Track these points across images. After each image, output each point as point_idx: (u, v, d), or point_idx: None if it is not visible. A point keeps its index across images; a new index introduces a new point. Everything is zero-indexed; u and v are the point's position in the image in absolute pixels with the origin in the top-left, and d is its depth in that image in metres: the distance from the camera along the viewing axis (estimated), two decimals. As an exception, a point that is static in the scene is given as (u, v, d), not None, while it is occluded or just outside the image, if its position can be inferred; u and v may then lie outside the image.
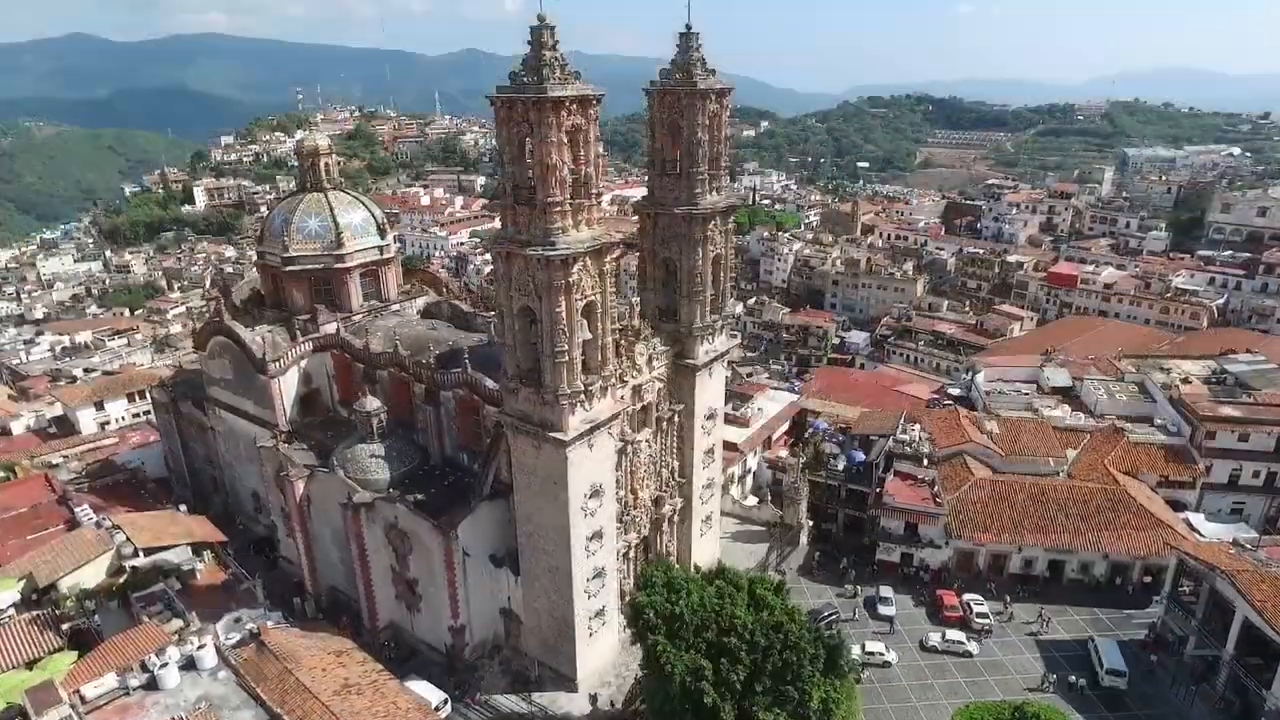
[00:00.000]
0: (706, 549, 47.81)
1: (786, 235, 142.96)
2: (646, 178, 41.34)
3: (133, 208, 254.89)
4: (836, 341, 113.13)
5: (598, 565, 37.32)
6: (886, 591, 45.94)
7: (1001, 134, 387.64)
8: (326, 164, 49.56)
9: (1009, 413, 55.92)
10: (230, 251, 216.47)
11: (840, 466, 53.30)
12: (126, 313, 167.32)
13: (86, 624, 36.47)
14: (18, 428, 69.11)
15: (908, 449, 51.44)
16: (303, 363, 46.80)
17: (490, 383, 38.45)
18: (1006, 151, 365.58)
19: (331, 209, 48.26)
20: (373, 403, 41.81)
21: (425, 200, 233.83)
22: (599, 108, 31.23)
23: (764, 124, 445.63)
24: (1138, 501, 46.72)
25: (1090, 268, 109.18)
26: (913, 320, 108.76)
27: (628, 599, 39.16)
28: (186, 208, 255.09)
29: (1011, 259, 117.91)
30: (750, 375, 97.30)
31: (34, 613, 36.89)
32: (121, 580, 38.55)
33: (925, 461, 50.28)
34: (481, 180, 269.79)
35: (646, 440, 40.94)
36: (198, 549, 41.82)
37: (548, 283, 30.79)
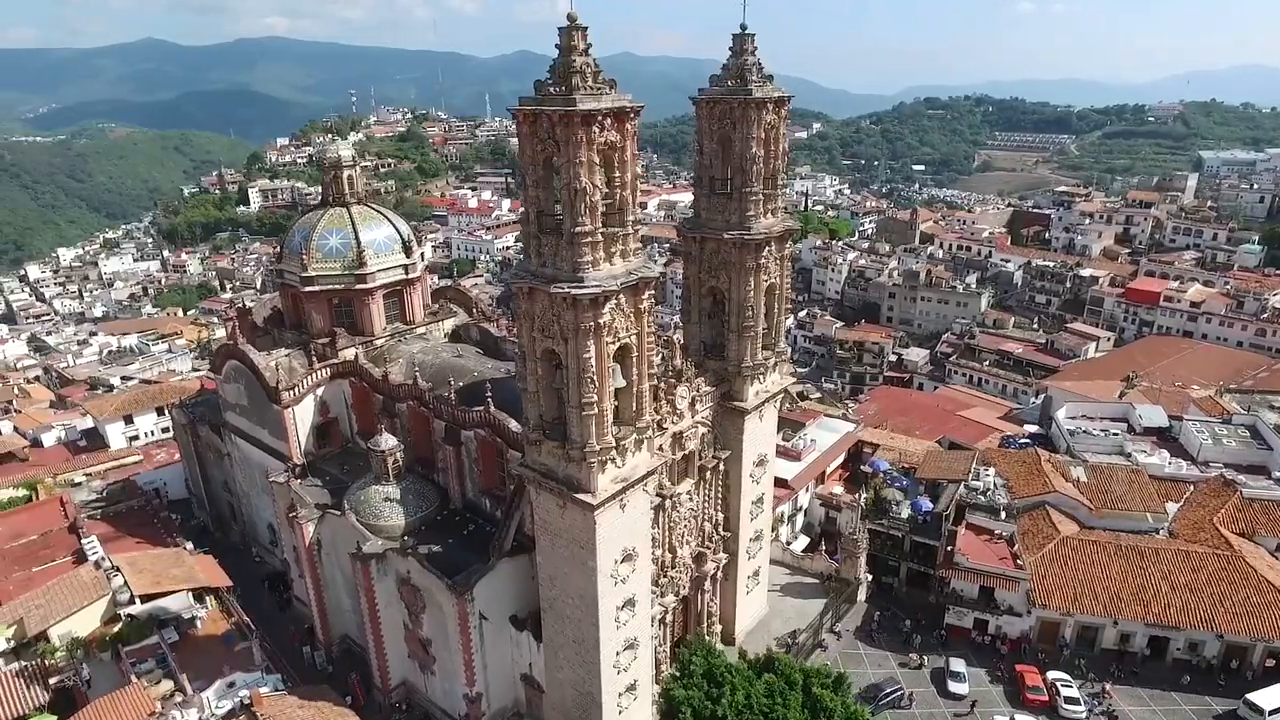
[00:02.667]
0: (752, 607, 43.13)
1: (840, 244, 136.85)
2: (692, 196, 36.77)
3: (190, 208, 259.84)
4: (893, 359, 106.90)
5: (629, 636, 32.93)
6: (958, 664, 40.54)
7: (1065, 136, 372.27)
8: (350, 176, 46.22)
9: (1097, 457, 49.93)
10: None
11: (904, 515, 47.93)
12: (180, 312, 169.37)
13: (74, 680, 33.51)
14: (49, 439, 67.87)
15: (982, 498, 45.93)
16: (319, 391, 43.49)
17: (515, 424, 34.44)
18: (1070, 155, 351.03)
19: (354, 225, 44.86)
20: (388, 440, 38.15)
21: (473, 203, 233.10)
22: (637, 121, 26.83)
23: (816, 126, 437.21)
24: (1257, 571, 40.46)
25: (1174, 283, 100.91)
26: (976, 338, 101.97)
27: (662, 684, 34.81)
28: (241, 209, 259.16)
29: (1085, 273, 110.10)
30: (802, 397, 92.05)
31: (21, 664, 34.16)
32: (116, 629, 35.52)
33: (1003, 513, 44.68)
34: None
35: (688, 492, 36.45)
36: (201, 595, 38.67)
37: (575, 324, 26.52)
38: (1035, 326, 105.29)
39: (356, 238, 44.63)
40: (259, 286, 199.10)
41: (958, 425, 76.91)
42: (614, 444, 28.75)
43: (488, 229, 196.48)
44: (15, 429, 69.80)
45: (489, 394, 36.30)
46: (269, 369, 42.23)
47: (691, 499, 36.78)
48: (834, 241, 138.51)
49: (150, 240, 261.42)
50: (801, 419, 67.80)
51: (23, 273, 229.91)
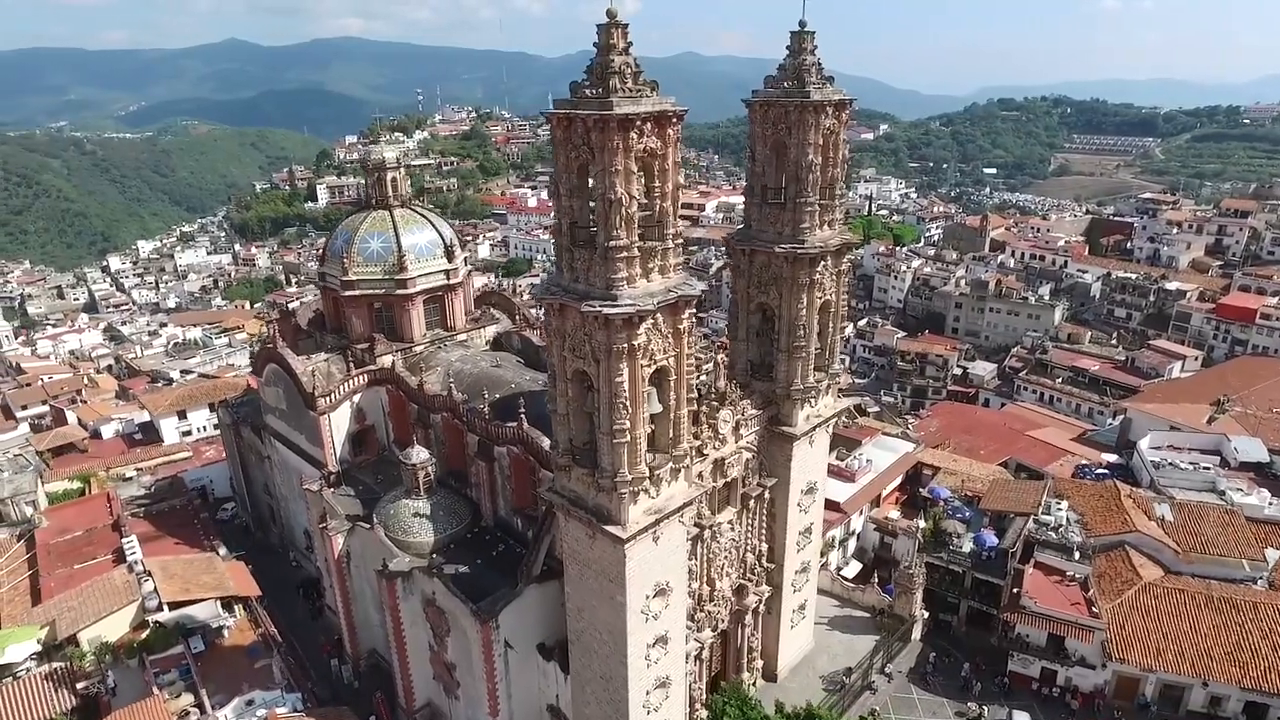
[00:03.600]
0: (797, 642, 40.47)
1: (905, 250, 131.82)
2: (744, 206, 34.38)
3: (260, 204, 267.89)
4: (958, 372, 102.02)
5: (661, 675, 30.80)
6: (1022, 718, 37.14)
7: (1150, 139, 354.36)
8: (394, 179, 45.19)
9: (1185, 493, 45.55)
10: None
11: (966, 549, 44.54)
12: (247, 305, 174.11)
13: (99, 687, 33.13)
14: (108, 431, 69.37)
15: (1053, 535, 42.23)
16: (356, 398, 42.59)
17: (548, 441, 32.69)
18: (1155, 158, 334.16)
19: (396, 229, 43.84)
20: (419, 453, 36.86)
21: (532, 201, 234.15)
22: (679, 126, 24.64)
23: (883, 127, 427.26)
24: (1373, 634, 35.99)
25: (1273, 300, 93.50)
26: (1049, 353, 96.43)
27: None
28: (309, 205, 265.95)
29: (1171, 286, 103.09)
30: (860, 411, 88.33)
31: (50, 666, 34.02)
32: (144, 636, 35.11)
33: (1076, 553, 40.94)
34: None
35: (729, 522, 34.11)
36: (230, 603, 38.10)
37: (607, 345, 24.51)
38: (1114, 342, 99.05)
39: (398, 242, 43.60)
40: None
41: (1026, 446, 72.49)
42: (647, 474, 26.66)
43: (545, 228, 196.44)
44: (79, 420, 71.65)
45: (522, 410, 34.62)
46: (306, 374, 41.47)
47: (733, 529, 34.44)
48: (897, 248, 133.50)
49: (223, 234, 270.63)
50: (857, 436, 64.56)
51: (105, 263, 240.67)
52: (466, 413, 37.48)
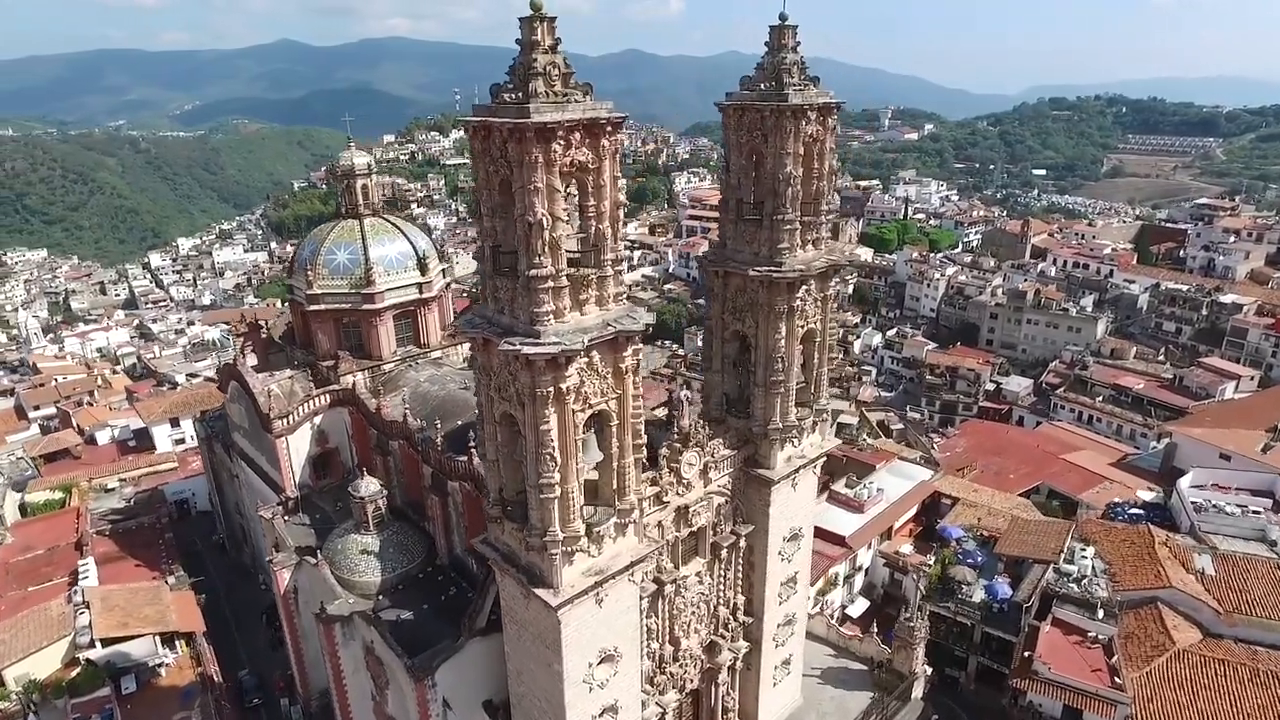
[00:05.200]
0: (782, 698, 36.74)
1: (939, 257, 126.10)
2: (718, 221, 30.84)
3: (297, 202, 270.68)
4: (991, 388, 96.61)
5: (612, 746, 27.49)
6: (1031, 800, 33.10)
7: (1211, 139, 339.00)
8: (365, 186, 42.59)
9: (1230, 542, 40.71)
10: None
11: (976, 599, 40.33)
12: (278, 303, 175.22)
13: (21, 731, 31.10)
14: (103, 437, 68.50)
15: (1074, 587, 37.85)
16: (317, 419, 40.12)
17: (501, 479, 29.62)
18: (1216, 160, 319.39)
19: (364, 239, 41.24)
20: (369, 485, 34.14)
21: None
22: (617, 136, 21.30)
23: (928, 127, 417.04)
24: None
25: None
26: (1089, 368, 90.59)
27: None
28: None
29: (1226, 299, 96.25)
30: (883, 427, 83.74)
31: (-25, 706, 32.09)
32: (74, 674, 32.96)
33: (1100, 610, 36.54)
34: (622, 181, 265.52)
35: (698, 574, 30.63)
36: (172, 638, 35.83)
37: (530, 388, 21.32)
38: (1161, 359, 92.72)
39: (366, 253, 41.01)
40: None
41: (1060, 471, 67.60)
42: (583, 531, 23.39)
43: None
44: (76, 425, 70.98)
45: (473, 443, 31.60)
46: (263, 393, 39.07)
47: (701, 582, 30.94)
48: (931, 254, 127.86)
49: (260, 232, 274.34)
50: (871, 461, 60.42)
51: (146, 260, 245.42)
52: (421, 441, 34.64)
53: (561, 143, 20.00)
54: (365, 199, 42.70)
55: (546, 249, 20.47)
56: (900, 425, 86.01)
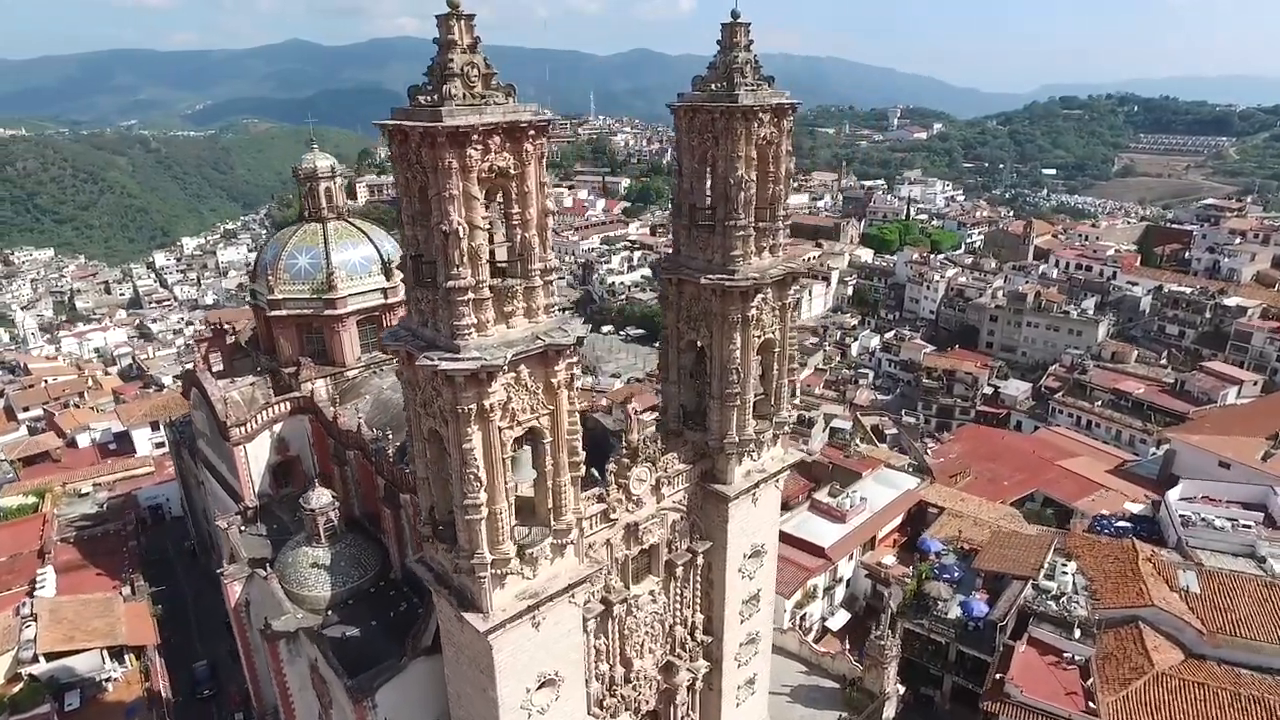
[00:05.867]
0: (746, 719, 35.61)
1: (940, 258, 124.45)
2: (671, 228, 29.74)
3: (301, 201, 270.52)
4: (989, 391, 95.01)
5: (557, 773, 26.44)
6: (1002, 828, 31.83)
7: (1224, 138, 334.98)
8: (329, 189, 41.72)
9: (1217, 558, 39.25)
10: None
11: (952, 615, 39.05)
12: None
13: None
14: (84, 440, 68.02)
15: (1053, 605, 36.54)
16: (277, 427, 39.28)
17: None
18: (1229, 159, 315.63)
19: (327, 244, 40.37)
20: (320, 497, 33.25)
21: (568, 201, 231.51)
22: (542, 140, 20.27)
23: (937, 126, 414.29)
24: None
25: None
26: (1089, 372, 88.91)
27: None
28: (349, 203, 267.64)
29: (1230, 301, 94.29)
30: (877, 432, 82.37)
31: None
32: (15, 690, 32.22)
33: (1078, 630, 35.22)
34: (625, 182, 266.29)
35: (651, 593, 29.56)
36: (121, 651, 35.05)
37: (453, 405, 20.32)
38: (1163, 363, 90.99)
39: (328, 258, 40.13)
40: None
41: (1055, 477, 66.23)
42: (513, 553, 22.37)
43: (575, 229, 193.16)
44: (57, 428, 70.55)
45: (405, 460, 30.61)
46: (221, 401, 38.26)
47: (656, 600, 29.86)
48: (933, 255, 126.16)
49: (265, 231, 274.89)
50: (858, 468, 59.28)
51: (151, 260, 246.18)
52: (374, 452, 33.73)
53: (479, 147, 18.99)
54: (329, 202, 41.83)
55: (465, 259, 19.47)
56: (895, 430, 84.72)
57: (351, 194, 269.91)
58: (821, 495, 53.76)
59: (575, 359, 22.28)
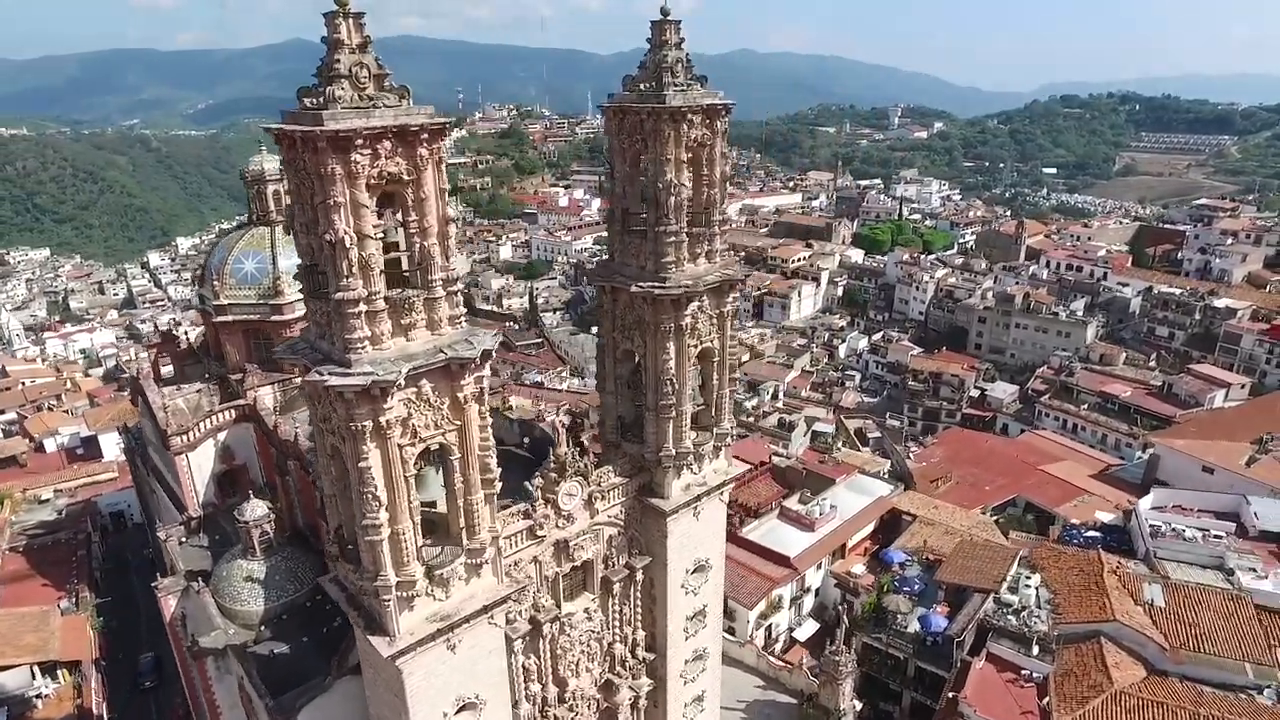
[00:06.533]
0: (697, 736, 34.69)
1: (931, 259, 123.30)
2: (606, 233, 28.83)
3: (248, 204, 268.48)
4: (975, 394, 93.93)
5: (482, 799, 25.52)
6: None
7: (1226, 137, 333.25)
8: (276, 192, 40.83)
9: (1185, 573, 38.18)
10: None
11: (911, 629, 38.05)
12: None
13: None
14: (52, 445, 67.29)
15: (1013, 619, 35.54)
16: (221, 435, 38.40)
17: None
18: (1230, 158, 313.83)
19: (274, 248, 39.51)
20: (256, 509, 32.35)
21: (563, 201, 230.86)
22: (438, 144, 19.35)
23: (938, 125, 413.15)
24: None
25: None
26: (1076, 375, 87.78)
27: None
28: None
29: (1220, 303, 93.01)
30: (859, 436, 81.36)
31: None
32: (-58, 708, 31.46)
33: (1036, 646, 34.22)
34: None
35: (586, 610, 28.64)
36: (55, 667, 34.24)
37: (346, 423, 19.42)
38: (1152, 365, 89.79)
39: (275, 263, 39.26)
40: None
41: (1037, 483, 65.27)
42: (420, 575, 21.47)
43: (569, 229, 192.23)
44: (24, 432, 69.86)
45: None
46: (160, 408, 37.41)
47: (592, 618, 28.94)
48: (924, 255, 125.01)
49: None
50: (832, 474, 58.32)
51: (145, 259, 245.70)
52: (311, 463, 32.74)
53: (366, 153, 18.07)
54: (277, 205, 40.93)
55: (355, 269, 18.55)
56: (878, 434, 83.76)
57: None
58: (791, 503, 52.81)
59: (484, 373, 21.38)
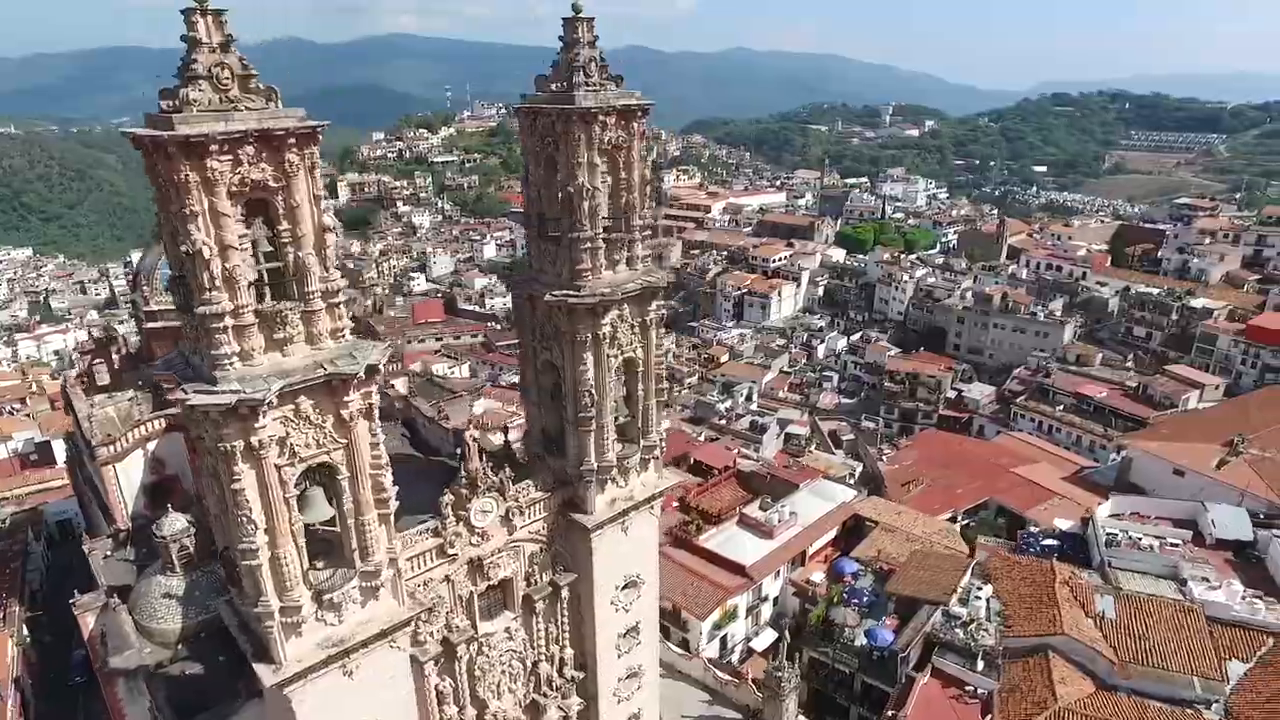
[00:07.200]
0: (634, 755, 33.75)
1: (911, 258, 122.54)
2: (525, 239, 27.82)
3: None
4: (953, 395, 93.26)
5: (392, 828, 24.53)
6: None
7: (1215, 136, 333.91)
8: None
9: (1138, 583, 37.36)
10: (356, 247, 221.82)
11: (859, 642, 37.15)
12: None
13: None
14: (3, 451, 65.97)
15: (960, 633, 34.66)
16: (151, 445, 37.30)
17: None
18: (1219, 156, 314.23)
19: (207, 252, 38.26)
20: (174, 523, 31.32)
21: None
22: (309, 150, 18.31)
23: (929, 124, 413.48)
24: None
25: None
26: (1051, 376, 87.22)
27: None
28: (330, 201, 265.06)
29: (1196, 303, 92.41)
30: (834, 438, 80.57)
31: None
32: None
33: (981, 661, 33.35)
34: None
35: (507, 630, 27.65)
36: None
37: (214, 443, 18.41)
38: (1129, 365, 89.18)
39: (207, 267, 38.02)
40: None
41: (1009, 486, 64.78)
42: (305, 600, 20.45)
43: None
44: (-22, 437, 68.53)
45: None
46: (87, 419, 36.32)
47: (513, 637, 27.96)
48: (905, 255, 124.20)
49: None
50: (796, 479, 57.52)
51: (128, 259, 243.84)
52: (233, 476, 31.68)
53: (225, 159, 17.01)
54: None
55: (219, 281, 17.52)
56: (851, 436, 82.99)
57: (333, 192, 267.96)
58: (751, 509, 51.97)
59: (372, 388, 20.38)
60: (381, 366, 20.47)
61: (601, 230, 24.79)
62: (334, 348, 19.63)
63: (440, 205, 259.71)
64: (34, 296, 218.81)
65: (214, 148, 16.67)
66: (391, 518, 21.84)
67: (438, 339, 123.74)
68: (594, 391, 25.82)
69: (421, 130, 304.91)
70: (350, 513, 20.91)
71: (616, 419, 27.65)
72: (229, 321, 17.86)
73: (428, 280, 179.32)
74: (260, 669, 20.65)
